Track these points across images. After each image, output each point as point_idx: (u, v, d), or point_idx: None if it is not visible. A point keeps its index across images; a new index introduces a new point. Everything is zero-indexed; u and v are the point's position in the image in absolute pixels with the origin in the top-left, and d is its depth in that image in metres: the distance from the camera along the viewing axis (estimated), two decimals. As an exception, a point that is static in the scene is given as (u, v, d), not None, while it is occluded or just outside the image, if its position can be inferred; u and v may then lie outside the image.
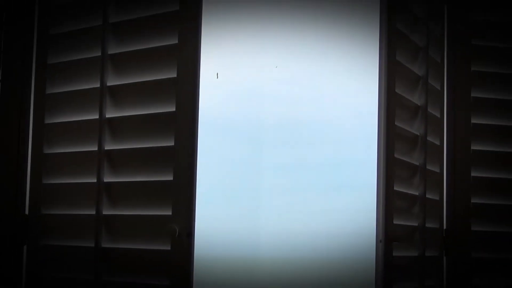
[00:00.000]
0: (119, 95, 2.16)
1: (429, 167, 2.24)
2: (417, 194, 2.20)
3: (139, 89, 2.12)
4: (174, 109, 2.03)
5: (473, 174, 2.27)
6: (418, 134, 2.20)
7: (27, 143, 2.27)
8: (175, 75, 2.04)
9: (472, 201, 2.26)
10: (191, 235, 1.96)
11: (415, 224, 2.17)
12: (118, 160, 2.15)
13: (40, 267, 2.22)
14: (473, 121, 2.29)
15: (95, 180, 2.14)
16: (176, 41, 2.04)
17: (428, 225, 2.23)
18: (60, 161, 2.25)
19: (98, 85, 2.16)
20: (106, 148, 2.14)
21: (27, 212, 2.26)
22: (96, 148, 2.14)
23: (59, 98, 2.26)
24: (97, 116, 2.15)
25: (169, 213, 1.99)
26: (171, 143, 2.01)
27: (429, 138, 2.24)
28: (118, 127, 2.14)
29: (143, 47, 2.12)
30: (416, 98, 2.21)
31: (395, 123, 2.05)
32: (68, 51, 2.27)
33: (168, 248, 1.98)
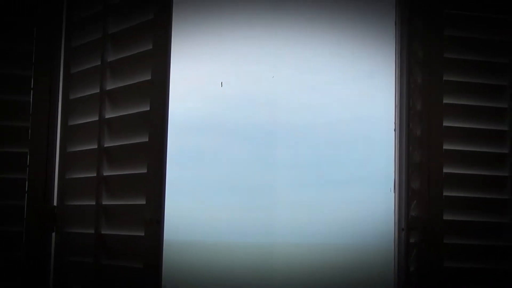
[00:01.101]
0: (115, 98, 2.37)
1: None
2: (415, 188, 2.42)
3: (126, 92, 2.32)
4: (148, 109, 2.20)
5: (445, 170, 2.44)
6: (417, 135, 2.45)
7: (56, 143, 2.50)
8: (149, 78, 2.21)
9: (444, 194, 2.41)
10: (160, 223, 2.12)
11: (413, 214, 2.39)
12: (112, 156, 2.36)
13: (64, 252, 2.46)
14: (445, 124, 2.47)
15: (95, 174, 2.36)
16: (151, 47, 2.22)
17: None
18: (76, 158, 2.48)
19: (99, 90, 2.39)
20: (105, 146, 2.36)
21: (55, 203, 2.50)
22: (96, 146, 2.37)
23: (76, 103, 2.49)
24: (97, 118, 2.38)
25: (143, 202, 2.18)
26: (146, 139, 2.19)
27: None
28: (114, 126, 2.36)
29: (129, 54, 2.32)
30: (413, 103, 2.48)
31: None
32: (82, 61, 2.49)
33: (142, 234, 2.17)
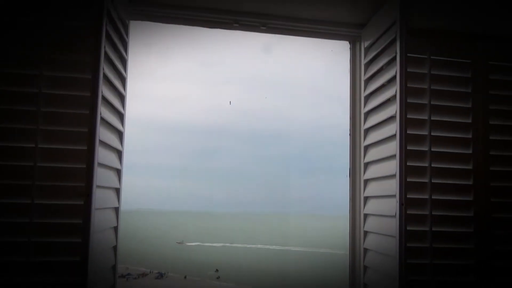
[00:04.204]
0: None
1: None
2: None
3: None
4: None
5: (408, 163, 3.12)
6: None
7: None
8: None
9: (408, 180, 3.09)
10: (90, 195, 2.82)
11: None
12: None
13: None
14: (409, 131, 3.20)
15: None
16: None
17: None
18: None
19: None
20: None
21: (119, 186, 3.28)
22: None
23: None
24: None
25: (83, 184, 2.86)
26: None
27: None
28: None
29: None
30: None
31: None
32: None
33: (82, 203, 2.85)
